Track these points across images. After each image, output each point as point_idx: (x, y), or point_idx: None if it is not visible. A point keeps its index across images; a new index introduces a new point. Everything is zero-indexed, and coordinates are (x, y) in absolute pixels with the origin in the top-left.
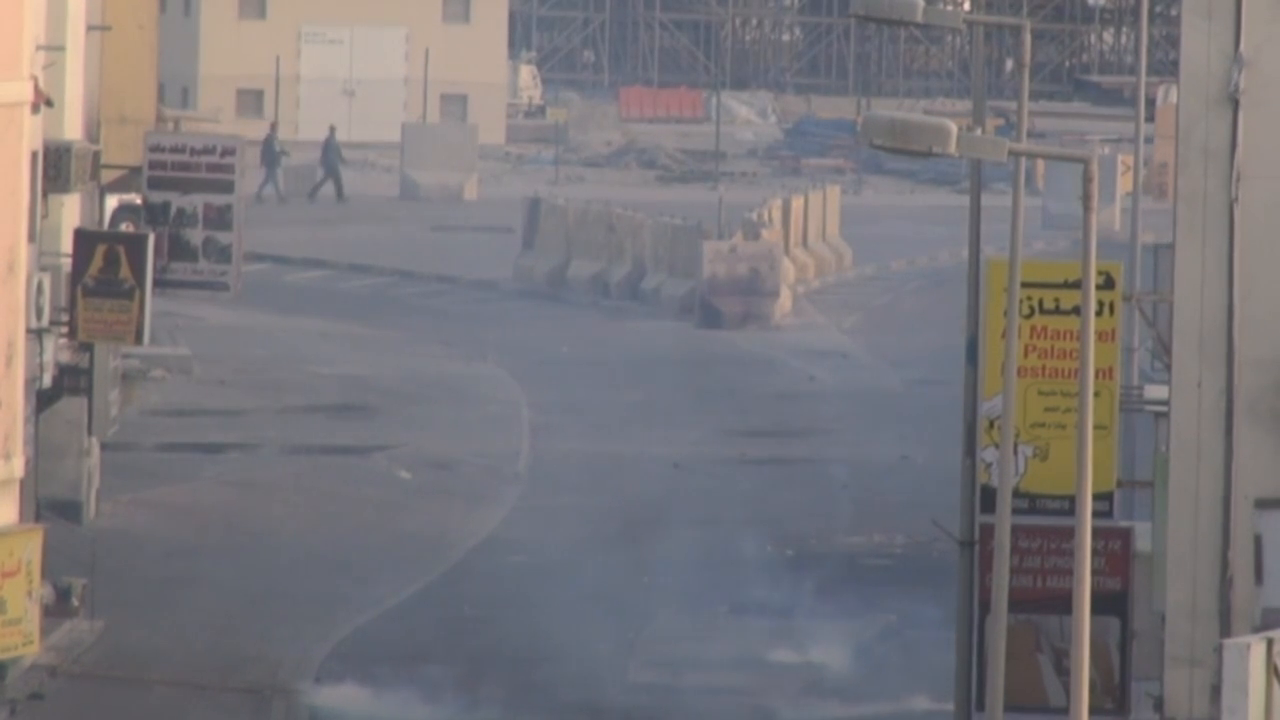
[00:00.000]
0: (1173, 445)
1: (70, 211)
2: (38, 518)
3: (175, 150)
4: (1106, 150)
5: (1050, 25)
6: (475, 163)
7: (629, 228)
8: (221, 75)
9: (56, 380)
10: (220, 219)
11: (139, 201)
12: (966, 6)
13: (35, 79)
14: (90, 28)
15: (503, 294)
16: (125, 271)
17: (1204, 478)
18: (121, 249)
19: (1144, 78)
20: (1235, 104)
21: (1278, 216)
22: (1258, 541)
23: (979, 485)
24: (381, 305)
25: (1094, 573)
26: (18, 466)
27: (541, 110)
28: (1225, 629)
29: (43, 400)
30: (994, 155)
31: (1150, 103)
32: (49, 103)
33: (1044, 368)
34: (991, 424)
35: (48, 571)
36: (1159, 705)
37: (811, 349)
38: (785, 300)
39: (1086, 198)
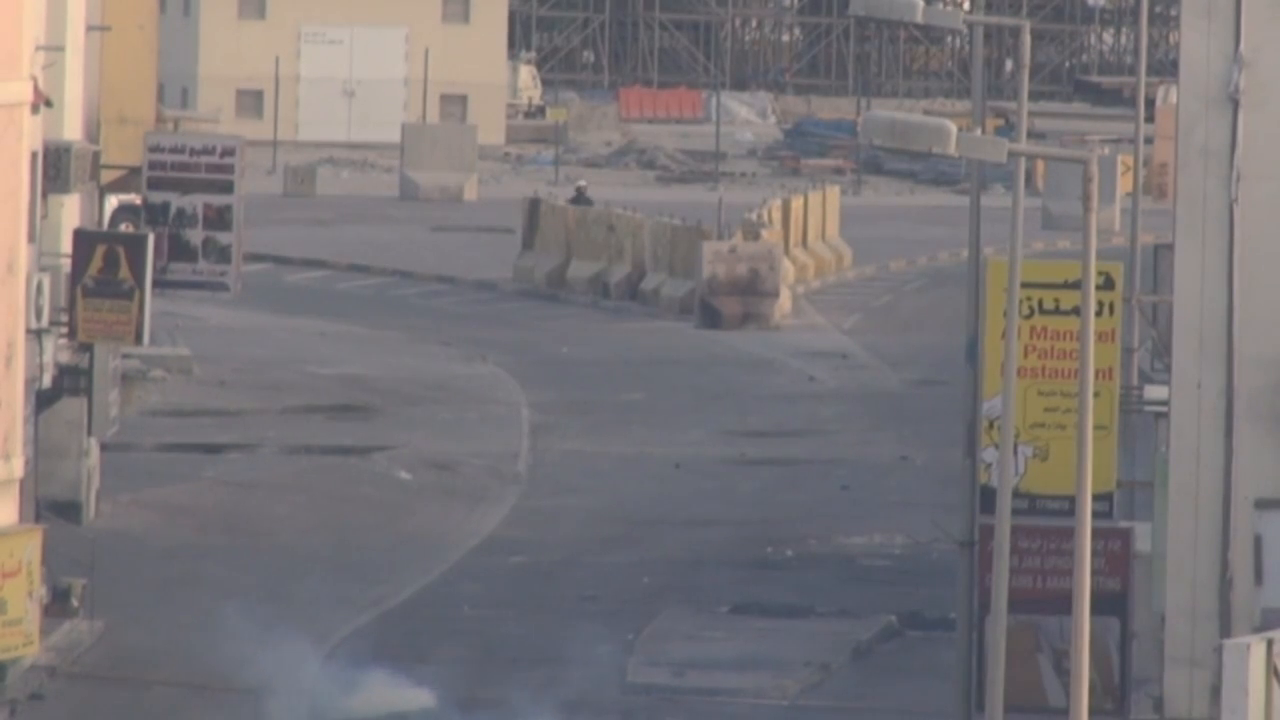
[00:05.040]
0: (1173, 445)
1: (70, 212)
2: (38, 518)
3: (175, 150)
4: (1106, 150)
5: (1050, 25)
6: (475, 163)
7: (629, 228)
8: (221, 75)
9: (56, 380)
10: (220, 219)
11: (139, 201)
12: (966, 7)
13: (35, 79)
14: (90, 28)
15: (503, 294)
16: (125, 272)
17: (1204, 478)
18: (121, 249)
19: (1144, 78)
20: (1235, 104)
21: (1278, 216)
22: (1258, 542)
23: (979, 485)
24: (381, 305)
25: (1094, 573)
26: (17, 467)
27: (541, 110)
28: (1225, 629)
29: (42, 400)
30: (994, 155)
31: (1150, 103)
32: (49, 103)
33: (1044, 368)
34: (991, 424)
35: (47, 572)
36: (1159, 706)
37: (811, 349)
38: (785, 300)
39: (1086, 198)
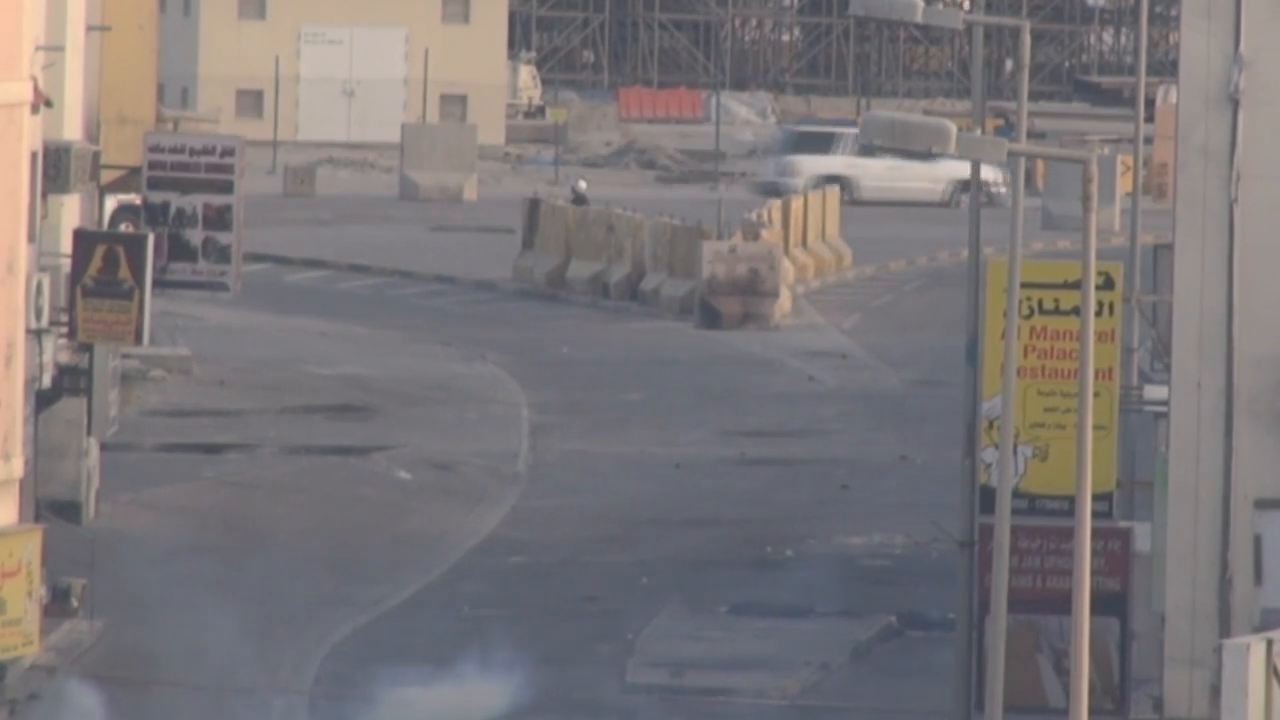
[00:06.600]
0: (1173, 445)
1: (70, 212)
2: (37, 518)
3: (175, 150)
4: (1106, 150)
5: (1050, 25)
6: (475, 163)
7: (629, 228)
8: (221, 75)
9: (56, 380)
10: (220, 219)
11: (138, 201)
12: (966, 7)
13: (35, 79)
14: (90, 28)
15: (503, 294)
16: (125, 272)
17: (1204, 478)
18: (121, 249)
19: (1144, 78)
20: (1235, 104)
21: (1278, 216)
22: (1257, 542)
23: (979, 485)
24: (381, 305)
25: (1093, 573)
26: (17, 467)
27: (541, 110)
28: (1225, 629)
29: (42, 400)
30: (994, 155)
31: (1150, 103)
32: (49, 103)
33: (1044, 368)
34: (991, 424)
35: (47, 572)
36: (1159, 706)
37: (811, 349)
38: (785, 300)
39: (1086, 198)
